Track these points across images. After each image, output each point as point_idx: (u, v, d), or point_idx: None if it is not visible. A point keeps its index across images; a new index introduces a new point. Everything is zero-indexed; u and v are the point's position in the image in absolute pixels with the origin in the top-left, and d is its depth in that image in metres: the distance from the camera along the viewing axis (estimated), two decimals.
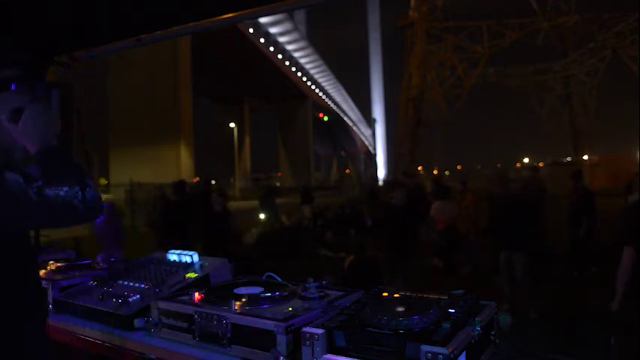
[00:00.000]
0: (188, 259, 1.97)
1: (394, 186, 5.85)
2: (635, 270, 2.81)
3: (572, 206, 7.50)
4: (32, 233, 1.89)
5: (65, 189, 1.17)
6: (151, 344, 1.59)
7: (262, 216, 12.41)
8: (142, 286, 1.83)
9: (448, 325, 1.14)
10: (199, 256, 2.00)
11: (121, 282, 1.90)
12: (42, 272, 2.14)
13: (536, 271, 6.90)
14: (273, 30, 48.16)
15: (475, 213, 8.63)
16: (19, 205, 1.14)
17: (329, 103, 73.03)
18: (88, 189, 1.21)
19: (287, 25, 49.73)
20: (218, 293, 1.63)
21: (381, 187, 28.20)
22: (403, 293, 1.40)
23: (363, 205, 14.49)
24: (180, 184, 7.77)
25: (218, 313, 1.44)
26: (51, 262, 2.33)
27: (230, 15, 2.03)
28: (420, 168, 39.75)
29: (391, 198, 5.90)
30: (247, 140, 63.05)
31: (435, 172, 44.00)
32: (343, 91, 78.59)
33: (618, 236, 2.91)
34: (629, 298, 2.82)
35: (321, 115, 73.67)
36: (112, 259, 2.42)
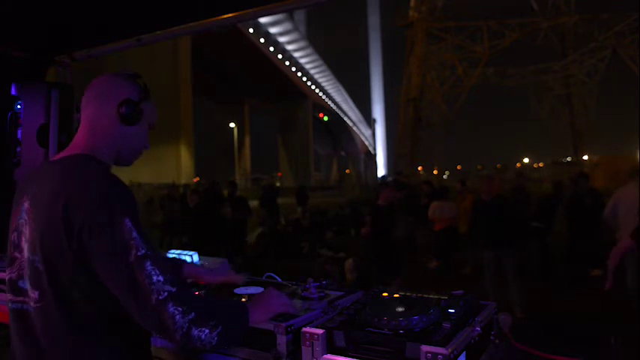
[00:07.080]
0: (188, 259, 1.97)
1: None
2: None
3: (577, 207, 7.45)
4: None
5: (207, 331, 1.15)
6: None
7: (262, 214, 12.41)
8: None
9: (448, 325, 1.14)
10: (199, 256, 2.00)
11: None
12: None
13: (531, 271, 6.94)
14: (273, 30, 48.16)
15: None
16: None
17: (329, 103, 72.93)
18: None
19: (287, 25, 49.73)
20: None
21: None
22: (403, 293, 1.40)
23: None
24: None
25: None
26: None
27: (230, 15, 2.03)
28: (420, 168, 39.75)
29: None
30: (247, 140, 63.02)
31: (435, 172, 44.03)
32: (343, 91, 78.50)
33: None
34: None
35: (321, 115, 73.54)
36: None
